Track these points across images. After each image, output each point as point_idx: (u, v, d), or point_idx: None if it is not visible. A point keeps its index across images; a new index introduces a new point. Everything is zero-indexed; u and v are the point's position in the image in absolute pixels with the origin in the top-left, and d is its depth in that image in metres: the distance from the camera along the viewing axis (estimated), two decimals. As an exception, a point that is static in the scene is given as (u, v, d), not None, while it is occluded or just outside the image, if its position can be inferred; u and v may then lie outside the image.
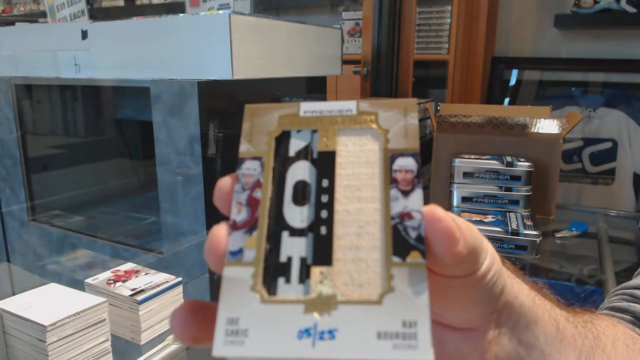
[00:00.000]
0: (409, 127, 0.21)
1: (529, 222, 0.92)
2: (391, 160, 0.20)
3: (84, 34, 1.07)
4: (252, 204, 0.20)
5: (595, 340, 0.30)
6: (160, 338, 0.76)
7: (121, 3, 2.47)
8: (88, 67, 1.09)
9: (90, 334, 0.67)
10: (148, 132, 1.04)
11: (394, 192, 0.20)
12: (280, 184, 0.21)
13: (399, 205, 0.19)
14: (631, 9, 1.55)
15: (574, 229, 1.07)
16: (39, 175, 1.38)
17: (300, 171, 0.21)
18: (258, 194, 0.20)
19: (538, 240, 0.89)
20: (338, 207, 0.20)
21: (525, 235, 0.88)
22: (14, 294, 0.70)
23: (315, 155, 0.21)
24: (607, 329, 0.32)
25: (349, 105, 0.22)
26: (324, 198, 0.20)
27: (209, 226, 1.00)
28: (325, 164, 0.21)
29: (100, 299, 0.69)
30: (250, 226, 0.20)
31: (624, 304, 0.41)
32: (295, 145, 0.21)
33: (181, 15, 0.96)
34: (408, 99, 0.22)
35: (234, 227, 0.20)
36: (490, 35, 1.79)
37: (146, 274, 0.82)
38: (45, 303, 0.68)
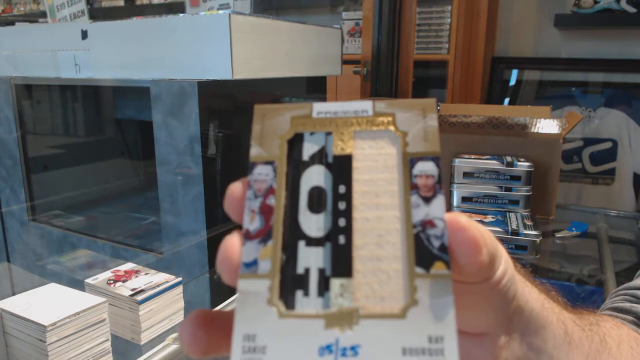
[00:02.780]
0: (429, 129, 0.20)
1: (529, 222, 0.92)
2: (410, 164, 0.19)
3: (84, 34, 1.07)
4: (266, 211, 0.19)
5: (602, 343, 0.30)
6: (160, 338, 0.76)
7: (121, 3, 2.47)
8: (88, 67, 1.09)
9: (90, 334, 0.67)
10: (148, 132, 1.04)
11: (414, 199, 0.19)
12: (294, 190, 0.20)
13: (421, 212, 0.18)
14: (631, 9, 1.55)
15: (574, 229, 1.07)
16: (39, 175, 1.38)
17: (315, 176, 0.20)
18: (271, 200, 0.19)
19: (538, 240, 0.89)
20: (356, 214, 0.19)
21: (525, 235, 0.88)
22: (14, 294, 0.70)
23: (330, 160, 0.20)
24: (612, 331, 0.32)
25: (365, 106, 0.21)
26: (341, 205, 0.19)
27: (208, 226, 1.00)
28: (341, 168, 0.20)
29: (100, 299, 0.69)
30: (264, 235, 0.18)
31: (627, 305, 0.41)
32: (309, 148, 0.20)
33: (181, 15, 0.96)
34: (427, 99, 0.20)
35: (247, 236, 0.19)
36: (490, 35, 1.80)
37: (146, 274, 0.82)
38: (45, 303, 0.68)
